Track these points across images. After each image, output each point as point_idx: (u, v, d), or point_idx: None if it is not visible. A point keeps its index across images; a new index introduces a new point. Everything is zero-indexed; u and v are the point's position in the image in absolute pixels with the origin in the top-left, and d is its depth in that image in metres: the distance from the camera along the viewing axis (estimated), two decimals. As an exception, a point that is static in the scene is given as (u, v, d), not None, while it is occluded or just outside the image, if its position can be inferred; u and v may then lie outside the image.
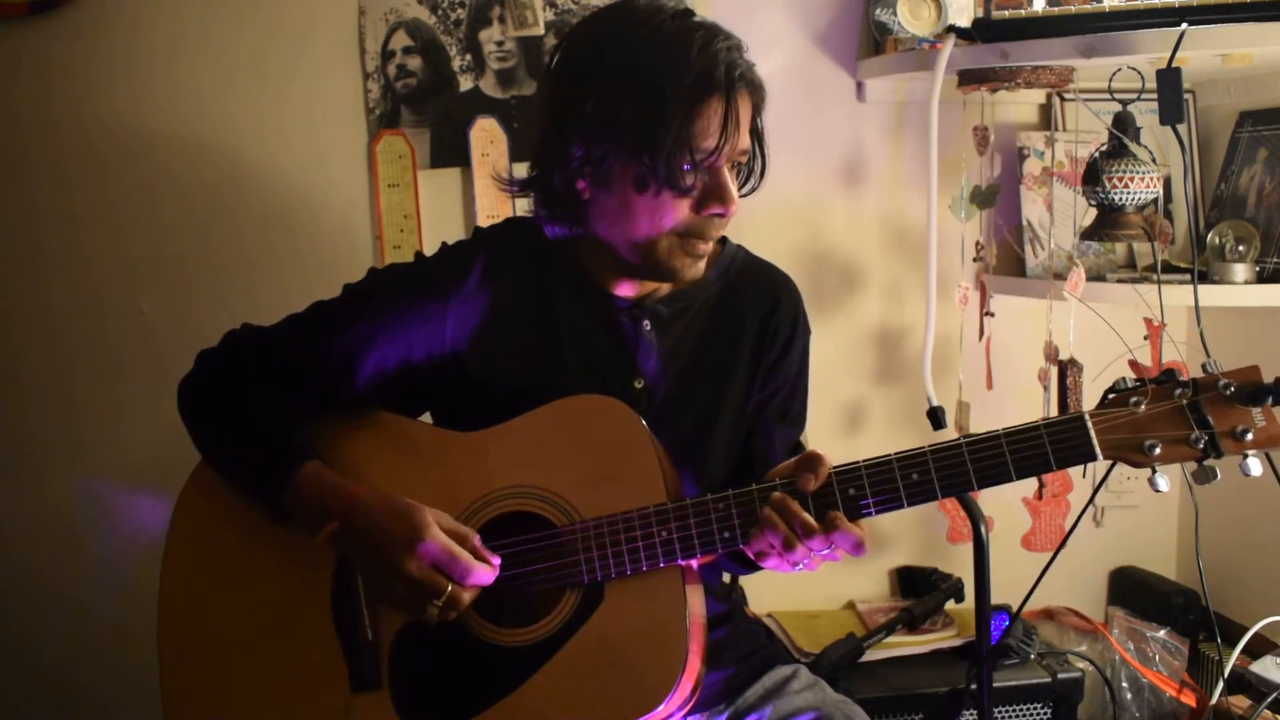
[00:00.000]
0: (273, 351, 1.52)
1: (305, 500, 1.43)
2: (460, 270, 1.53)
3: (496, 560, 1.40)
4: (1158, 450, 1.31)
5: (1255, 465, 1.30)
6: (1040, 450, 1.32)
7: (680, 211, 1.43)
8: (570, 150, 1.44)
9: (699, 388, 1.56)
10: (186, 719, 1.47)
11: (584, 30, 1.49)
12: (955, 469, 1.34)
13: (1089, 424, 1.31)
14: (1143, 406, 1.31)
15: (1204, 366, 1.33)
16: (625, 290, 1.55)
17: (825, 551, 1.35)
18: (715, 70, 1.38)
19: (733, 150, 1.42)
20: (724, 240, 1.65)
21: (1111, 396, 1.34)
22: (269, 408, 1.50)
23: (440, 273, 1.54)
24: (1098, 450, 1.31)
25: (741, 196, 1.51)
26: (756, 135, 1.50)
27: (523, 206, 2.24)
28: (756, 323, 1.59)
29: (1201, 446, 1.30)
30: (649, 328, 1.55)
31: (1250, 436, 1.29)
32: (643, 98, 1.37)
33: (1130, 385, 1.34)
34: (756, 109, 1.47)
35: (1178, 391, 1.31)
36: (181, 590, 1.51)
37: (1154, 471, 1.33)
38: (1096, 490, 1.69)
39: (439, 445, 1.50)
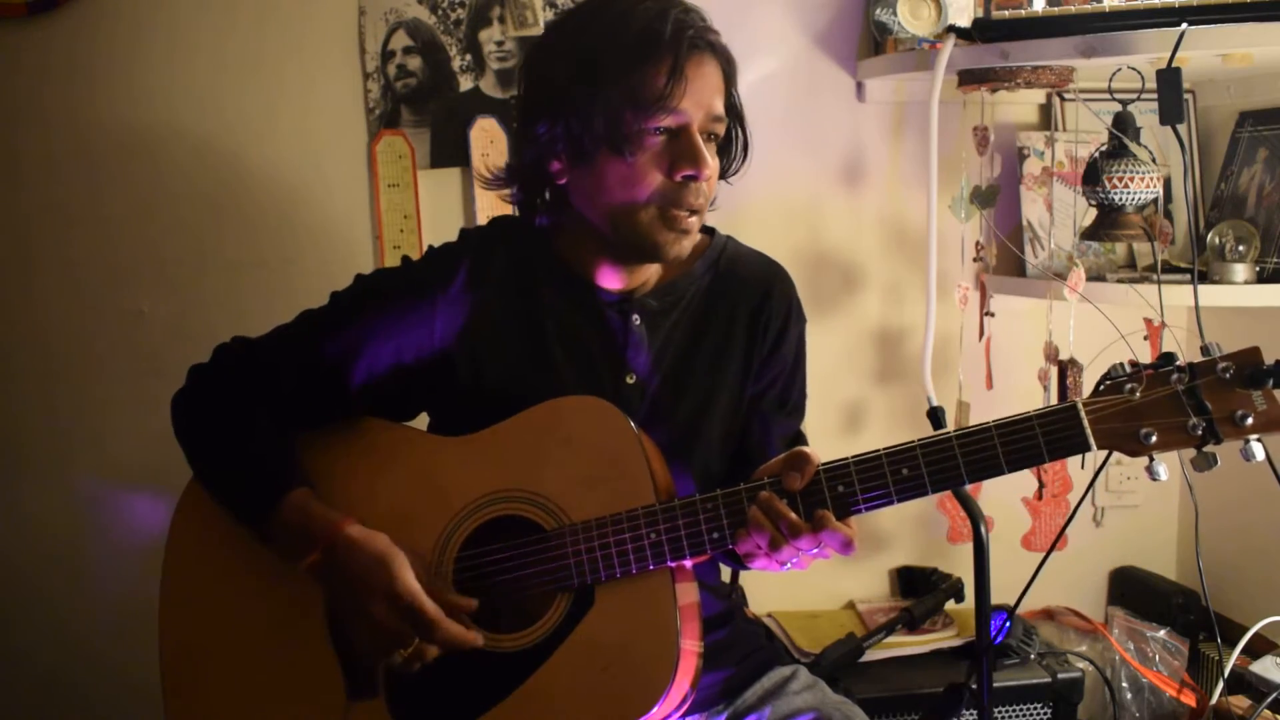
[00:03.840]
0: (262, 364, 1.52)
1: (289, 528, 1.42)
2: (446, 273, 1.53)
3: (477, 636, 1.39)
4: (1154, 438, 1.27)
5: (1259, 449, 1.25)
6: (1032, 441, 1.29)
7: (654, 178, 1.42)
8: (536, 129, 1.45)
9: (692, 381, 1.55)
10: None
11: (550, 25, 1.54)
12: (945, 462, 1.31)
13: (1082, 413, 1.28)
14: (1138, 393, 1.28)
15: (1203, 349, 1.29)
16: (611, 281, 1.54)
17: (814, 551, 1.33)
18: (661, 29, 1.38)
19: (696, 108, 1.41)
20: (712, 231, 1.63)
21: (1107, 384, 1.30)
22: (258, 429, 1.49)
23: (426, 276, 1.54)
24: (1091, 440, 1.28)
25: (729, 177, 1.52)
26: (734, 111, 1.49)
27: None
28: (748, 314, 1.58)
29: (1199, 433, 1.26)
30: (638, 322, 1.54)
31: (1250, 421, 1.24)
32: (583, 61, 1.40)
33: (1126, 371, 1.30)
34: (728, 79, 1.46)
35: (1174, 376, 1.28)
36: (181, 596, 1.51)
37: (1151, 460, 1.29)
38: (1095, 477, 1.66)
39: (428, 451, 1.49)
